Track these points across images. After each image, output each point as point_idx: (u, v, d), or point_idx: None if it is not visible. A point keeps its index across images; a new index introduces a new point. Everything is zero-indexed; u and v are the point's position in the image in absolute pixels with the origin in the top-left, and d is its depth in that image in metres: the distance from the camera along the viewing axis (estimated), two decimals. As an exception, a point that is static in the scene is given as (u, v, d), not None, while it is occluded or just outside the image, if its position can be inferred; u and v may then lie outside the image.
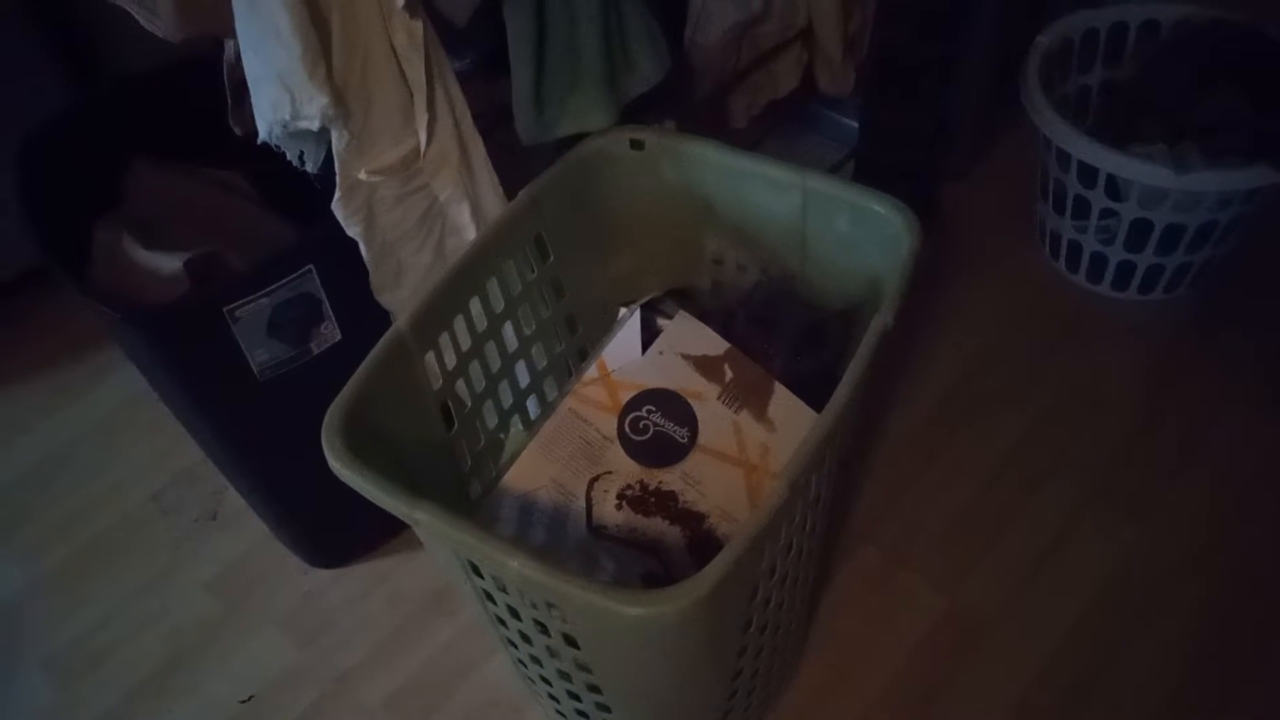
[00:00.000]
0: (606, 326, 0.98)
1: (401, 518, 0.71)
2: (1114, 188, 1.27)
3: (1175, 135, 1.24)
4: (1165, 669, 1.06)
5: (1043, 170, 1.37)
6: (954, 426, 1.27)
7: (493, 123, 0.98)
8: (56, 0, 1.35)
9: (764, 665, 0.92)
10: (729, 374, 0.91)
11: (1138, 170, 1.22)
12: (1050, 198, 1.37)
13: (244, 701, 1.11)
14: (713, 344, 0.93)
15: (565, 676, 0.84)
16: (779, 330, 0.94)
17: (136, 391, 1.26)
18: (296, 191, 0.97)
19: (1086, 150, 1.24)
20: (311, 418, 0.75)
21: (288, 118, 0.79)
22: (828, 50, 1.21)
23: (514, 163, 0.99)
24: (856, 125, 1.42)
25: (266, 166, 0.92)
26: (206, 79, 0.97)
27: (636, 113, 1.01)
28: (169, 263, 0.96)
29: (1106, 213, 1.30)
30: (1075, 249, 1.38)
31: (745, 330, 0.95)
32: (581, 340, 1.06)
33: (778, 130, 1.54)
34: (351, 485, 0.73)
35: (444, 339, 0.88)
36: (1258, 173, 1.19)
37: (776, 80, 1.25)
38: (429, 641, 1.14)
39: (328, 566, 1.21)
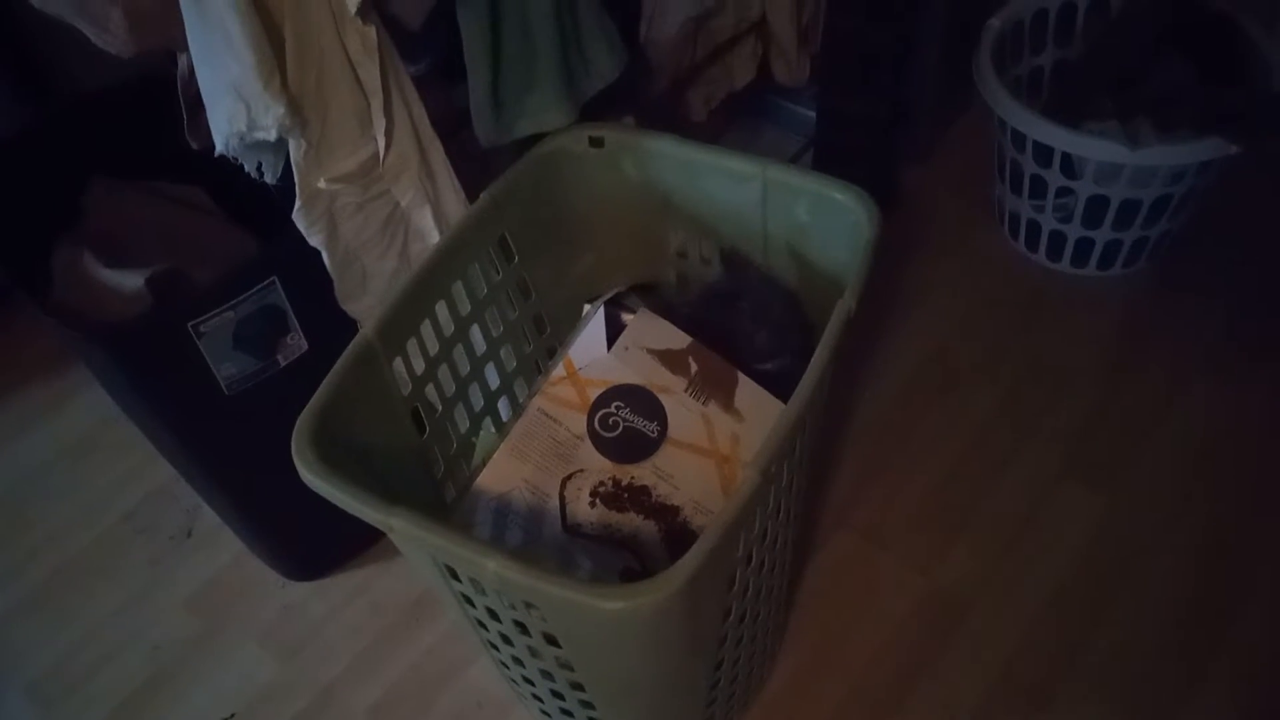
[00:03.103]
0: (574, 325, 0.98)
1: (376, 525, 0.71)
2: (1069, 166, 1.28)
3: (1127, 111, 1.26)
4: (1142, 633, 1.07)
5: (999, 151, 1.39)
6: (923, 407, 1.29)
7: (453, 126, 0.97)
8: (7, 20, 1.34)
9: (745, 653, 0.92)
10: (694, 367, 0.92)
11: (1092, 147, 1.23)
12: (1007, 178, 1.39)
13: (226, 719, 1.11)
14: (675, 338, 0.94)
15: (548, 676, 0.85)
16: (743, 306, 0.94)
17: (106, 411, 1.25)
18: (260, 204, 0.96)
19: (1041, 130, 1.25)
20: (282, 429, 0.75)
21: (244, 129, 0.78)
22: (782, 41, 1.22)
23: (477, 166, 0.99)
24: (814, 115, 1.43)
25: (228, 180, 0.92)
26: (164, 94, 0.96)
27: (595, 110, 1.01)
28: (131, 280, 0.96)
29: (1063, 191, 1.32)
30: (1034, 228, 1.40)
31: (713, 313, 0.96)
32: (550, 340, 1.06)
33: (737, 123, 1.55)
34: (324, 495, 0.73)
35: (411, 344, 0.88)
36: (1209, 145, 1.20)
37: (732, 73, 1.25)
38: (411, 649, 1.14)
39: (306, 579, 1.21)
